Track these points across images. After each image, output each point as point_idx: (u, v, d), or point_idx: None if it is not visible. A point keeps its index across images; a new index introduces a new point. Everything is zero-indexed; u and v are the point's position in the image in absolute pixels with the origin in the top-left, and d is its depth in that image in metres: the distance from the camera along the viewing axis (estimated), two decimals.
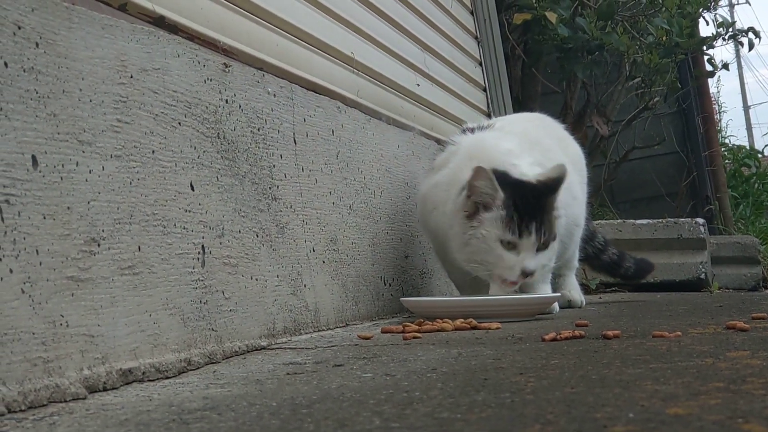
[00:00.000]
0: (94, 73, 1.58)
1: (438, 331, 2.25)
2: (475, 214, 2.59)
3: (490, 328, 2.27)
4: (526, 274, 2.56)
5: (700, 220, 4.59)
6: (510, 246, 2.56)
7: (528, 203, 2.57)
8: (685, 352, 1.56)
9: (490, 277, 2.63)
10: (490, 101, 4.77)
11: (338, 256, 2.56)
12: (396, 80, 3.38)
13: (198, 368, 1.71)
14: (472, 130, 3.00)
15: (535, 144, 2.93)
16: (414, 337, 2.10)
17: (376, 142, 3.01)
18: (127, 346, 1.54)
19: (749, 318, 2.24)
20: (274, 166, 2.24)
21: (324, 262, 2.46)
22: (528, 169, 2.69)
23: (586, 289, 3.94)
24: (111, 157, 1.59)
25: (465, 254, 2.64)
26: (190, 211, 1.82)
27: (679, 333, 1.89)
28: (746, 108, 27.17)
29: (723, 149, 8.17)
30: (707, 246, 4.52)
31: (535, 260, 2.57)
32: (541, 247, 2.59)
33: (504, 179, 2.58)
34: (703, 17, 5.72)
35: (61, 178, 1.45)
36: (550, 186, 2.62)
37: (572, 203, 2.88)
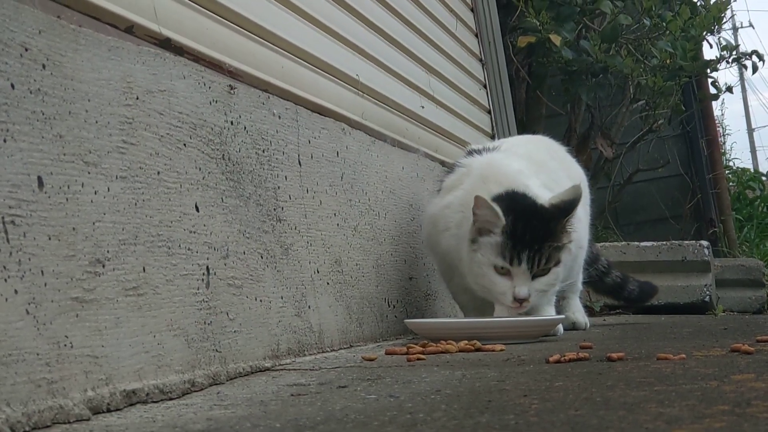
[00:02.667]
0: (100, 94, 1.59)
1: (442, 352, 2.25)
2: (477, 239, 2.61)
3: (494, 350, 2.26)
4: (518, 300, 2.57)
5: (705, 243, 4.58)
6: (504, 272, 2.58)
7: (528, 230, 2.56)
8: (690, 375, 1.56)
9: (497, 300, 2.65)
10: (494, 124, 4.78)
11: (342, 277, 2.56)
12: (401, 102, 3.39)
13: (202, 389, 1.71)
14: (479, 152, 3.01)
15: (541, 166, 2.94)
16: (418, 359, 2.09)
17: (380, 164, 3.02)
18: (131, 367, 1.54)
19: (754, 341, 2.23)
20: (278, 187, 2.25)
21: (328, 283, 2.46)
22: (538, 190, 2.69)
23: (590, 312, 3.94)
24: (116, 178, 1.60)
25: (470, 277, 2.67)
26: (194, 232, 1.83)
27: (684, 355, 1.89)
28: (750, 131, 27.18)
29: (727, 172, 8.16)
30: (712, 269, 4.51)
31: (529, 286, 2.57)
32: (539, 273, 2.59)
33: (515, 202, 2.60)
34: (707, 40, 5.73)
35: (67, 199, 1.45)
36: (563, 209, 2.62)
37: (576, 225, 2.88)
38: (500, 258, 2.57)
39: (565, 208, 2.63)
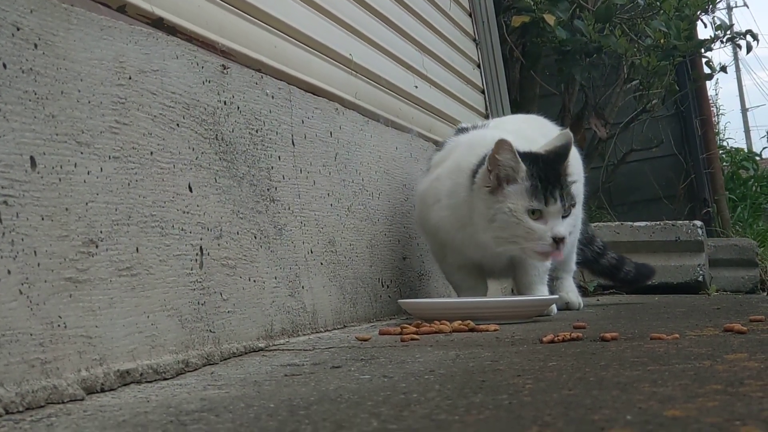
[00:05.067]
0: (92, 74, 1.58)
1: (436, 332, 2.25)
2: (498, 188, 2.60)
3: (488, 330, 2.27)
4: (557, 240, 2.57)
5: (698, 223, 4.59)
6: (537, 215, 2.58)
7: (546, 172, 2.60)
8: (683, 355, 1.56)
9: (523, 252, 2.64)
10: (488, 103, 4.77)
11: (336, 257, 2.56)
12: (394, 82, 3.38)
13: (196, 369, 1.71)
14: (467, 130, 3.02)
15: (531, 142, 2.94)
16: (412, 339, 2.10)
17: (374, 144, 3.01)
18: (124, 348, 1.54)
19: (747, 320, 2.24)
20: (272, 167, 2.24)
21: (322, 263, 2.46)
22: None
23: (584, 292, 3.94)
24: (109, 158, 1.59)
25: (492, 231, 2.63)
26: (188, 213, 1.82)
27: (677, 335, 1.89)
28: (744, 111, 27.19)
29: (721, 152, 8.16)
30: (705, 248, 4.52)
31: (563, 226, 2.60)
32: (565, 213, 2.62)
33: (520, 153, 2.61)
34: (701, 20, 5.72)
35: (60, 180, 1.45)
36: (561, 153, 2.67)
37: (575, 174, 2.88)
38: (535, 200, 2.56)
39: (562, 152, 2.67)
